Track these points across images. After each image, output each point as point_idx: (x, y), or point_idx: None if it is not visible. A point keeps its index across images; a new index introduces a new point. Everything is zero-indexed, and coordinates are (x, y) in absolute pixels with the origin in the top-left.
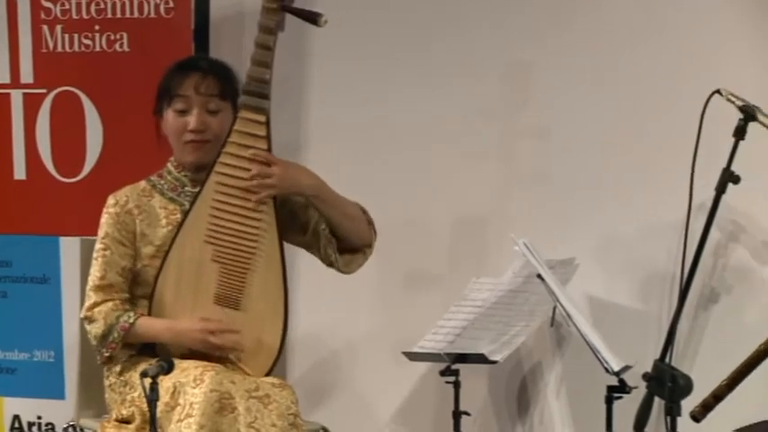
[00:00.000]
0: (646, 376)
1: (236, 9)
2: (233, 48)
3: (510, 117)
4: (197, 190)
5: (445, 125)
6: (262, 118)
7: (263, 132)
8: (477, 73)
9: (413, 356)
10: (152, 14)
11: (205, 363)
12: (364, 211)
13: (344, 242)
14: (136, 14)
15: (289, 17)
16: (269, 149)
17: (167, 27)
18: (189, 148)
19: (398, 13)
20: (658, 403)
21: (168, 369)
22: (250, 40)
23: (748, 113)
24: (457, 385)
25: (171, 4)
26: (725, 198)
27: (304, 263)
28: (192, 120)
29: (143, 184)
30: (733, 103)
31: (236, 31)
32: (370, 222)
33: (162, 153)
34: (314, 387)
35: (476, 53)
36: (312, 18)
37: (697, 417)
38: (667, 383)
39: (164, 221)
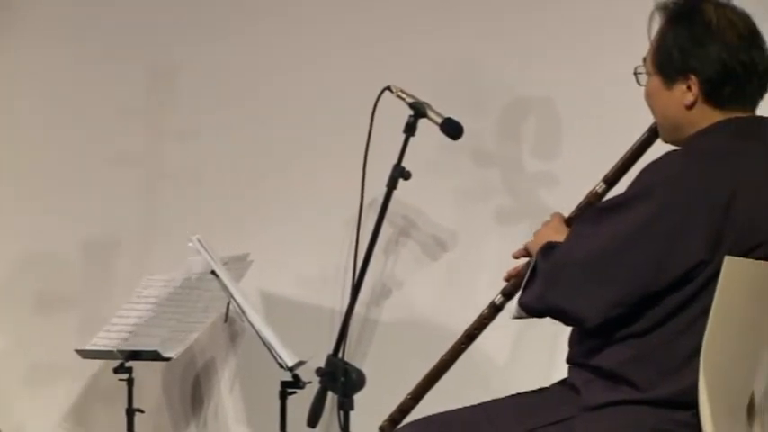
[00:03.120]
0: (319, 371)
1: None
2: None
3: (156, 119)
4: None
5: (89, 127)
6: None
7: None
8: (121, 73)
9: (86, 354)
10: None
11: None
12: None
13: None
14: None
15: None
16: None
17: None
18: None
19: None
20: (332, 398)
21: None
22: None
23: (418, 110)
24: (130, 382)
25: None
26: (396, 194)
27: None
28: None
29: None
30: (403, 99)
31: None
32: None
33: None
34: None
35: (120, 53)
36: None
37: (385, 430)
38: (340, 378)
39: None
